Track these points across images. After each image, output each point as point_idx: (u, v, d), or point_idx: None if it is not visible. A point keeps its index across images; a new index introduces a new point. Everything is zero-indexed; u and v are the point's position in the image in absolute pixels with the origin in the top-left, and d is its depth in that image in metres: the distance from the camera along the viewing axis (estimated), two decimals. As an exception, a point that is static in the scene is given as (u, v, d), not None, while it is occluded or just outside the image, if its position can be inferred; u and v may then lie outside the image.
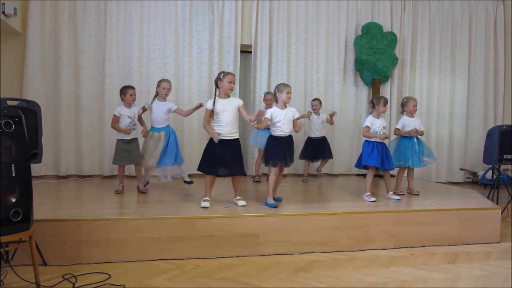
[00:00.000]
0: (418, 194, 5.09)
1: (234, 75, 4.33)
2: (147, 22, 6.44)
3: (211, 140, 4.25)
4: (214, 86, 4.38)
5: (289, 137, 4.38)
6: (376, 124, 4.80)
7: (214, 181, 4.34)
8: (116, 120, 4.80)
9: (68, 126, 6.18)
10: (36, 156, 3.49)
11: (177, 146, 4.94)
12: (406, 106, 5.16)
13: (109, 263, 3.44)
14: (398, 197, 4.80)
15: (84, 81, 6.20)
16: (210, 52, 6.67)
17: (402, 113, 5.26)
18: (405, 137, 5.13)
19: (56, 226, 3.42)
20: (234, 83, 4.30)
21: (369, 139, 4.79)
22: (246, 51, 6.99)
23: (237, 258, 3.67)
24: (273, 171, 4.33)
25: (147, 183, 5.15)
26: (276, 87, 4.41)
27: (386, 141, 4.96)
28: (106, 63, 6.27)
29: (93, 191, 5.02)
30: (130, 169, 6.31)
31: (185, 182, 5.12)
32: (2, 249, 2.74)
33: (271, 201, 4.25)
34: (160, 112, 4.89)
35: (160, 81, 4.97)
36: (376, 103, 4.84)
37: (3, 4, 5.23)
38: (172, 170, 5.02)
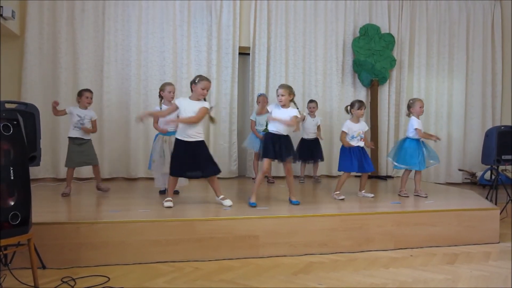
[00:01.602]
0: (426, 196, 5.04)
1: (209, 83, 4.28)
2: (145, 24, 6.45)
3: (176, 144, 4.23)
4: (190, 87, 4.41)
5: (286, 137, 4.43)
6: (353, 129, 4.87)
7: (176, 182, 4.34)
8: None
9: (66, 129, 6.14)
10: (34, 159, 3.48)
11: None
12: (413, 107, 5.10)
13: (108, 265, 3.42)
14: (372, 195, 4.96)
15: (82, 84, 6.17)
16: (208, 54, 6.68)
17: (408, 115, 5.20)
18: (413, 140, 5.05)
19: (55, 229, 3.41)
20: (208, 91, 4.26)
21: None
22: (244, 53, 7.01)
23: (236, 260, 3.66)
24: (260, 170, 4.45)
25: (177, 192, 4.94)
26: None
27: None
28: (105, 66, 6.27)
29: (92, 194, 5.01)
30: (129, 171, 6.32)
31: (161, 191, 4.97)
32: (0, 252, 2.73)
33: (252, 200, 4.33)
34: (170, 116, 4.81)
35: (164, 85, 4.86)
36: (351, 107, 4.93)
37: (1, 7, 5.23)
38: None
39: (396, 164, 5.14)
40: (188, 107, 4.19)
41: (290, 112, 4.37)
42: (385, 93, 7.37)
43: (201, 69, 6.61)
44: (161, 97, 4.87)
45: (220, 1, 6.70)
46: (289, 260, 3.71)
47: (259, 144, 5.92)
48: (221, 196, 4.36)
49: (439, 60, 7.62)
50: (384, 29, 7.30)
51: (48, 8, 6.08)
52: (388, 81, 7.32)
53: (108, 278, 3.16)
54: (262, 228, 3.80)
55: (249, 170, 6.81)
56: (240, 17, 6.83)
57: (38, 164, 3.55)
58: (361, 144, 4.90)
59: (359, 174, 5.14)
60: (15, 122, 2.68)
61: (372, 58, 7.11)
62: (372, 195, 5.02)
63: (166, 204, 4.19)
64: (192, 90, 4.30)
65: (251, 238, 3.76)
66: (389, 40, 7.21)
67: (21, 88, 5.99)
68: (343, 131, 4.90)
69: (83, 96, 4.91)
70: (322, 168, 6.85)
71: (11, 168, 2.61)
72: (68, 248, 3.41)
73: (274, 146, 4.35)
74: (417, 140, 5.06)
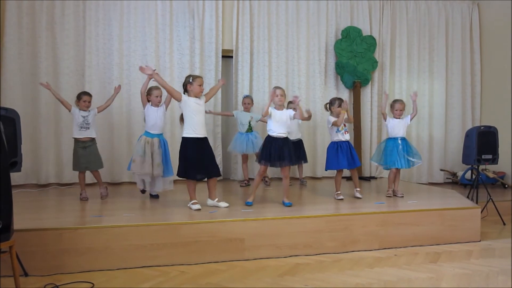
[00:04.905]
0: (402, 196, 5.14)
1: (202, 78, 4.39)
2: (127, 28, 6.40)
3: (185, 143, 4.24)
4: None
5: (285, 140, 4.50)
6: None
7: (195, 183, 4.37)
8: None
9: (47, 134, 6.09)
10: (15, 164, 3.43)
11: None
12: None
13: (93, 271, 3.39)
14: (361, 196, 4.99)
15: (63, 88, 6.10)
16: (191, 57, 6.66)
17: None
18: (390, 139, 5.21)
19: (37, 236, 3.36)
20: (202, 85, 4.35)
21: (334, 140, 4.96)
22: (227, 56, 7.00)
23: (222, 263, 3.66)
24: (258, 173, 4.56)
25: (144, 191, 5.00)
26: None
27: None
28: (86, 70, 6.20)
29: (74, 199, 4.94)
30: (113, 176, 6.26)
31: (151, 195, 4.99)
32: (-19, 261, 2.68)
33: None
34: (157, 118, 4.73)
35: (150, 89, 4.78)
36: (330, 104, 5.06)
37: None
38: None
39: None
40: (197, 107, 4.26)
41: (289, 112, 4.55)
42: (368, 94, 7.44)
43: (184, 72, 6.58)
44: (148, 101, 4.84)
45: (202, 4, 6.69)
46: (275, 262, 3.72)
47: (244, 147, 5.88)
48: (216, 199, 4.39)
49: (420, 62, 7.73)
50: (366, 32, 7.38)
51: (27, 13, 5.99)
52: (370, 82, 7.40)
53: (93, 284, 3.13)
54: (247, 230, 3.80)
55: (234, 173, 6.80)
56: (222, 20, 6.83)
57: (19, 170, 3.51)
58: (347, 137, 4.98)
59: (348, 175, 5.19)
60: (-5, 128, 2.64)
61: (354, 60, 7.18)
62: (361, 196, 5.05)
63: (195, 207, 4.22)
64: (187, 91, 4.33)
65: (237, 241, 3.76)
66: (370, 43, 7.29)
67: (0, 94, 5.88)
68: (334, 121, 4.93)
69: (81, 100, 4.86)
70: (306, 169, 6.87)
71: (-8, 175, 2.56)
72: (51, 255, 3.37)
73: (274, 150, 4.41)
74: (393, 139, 5.17)
